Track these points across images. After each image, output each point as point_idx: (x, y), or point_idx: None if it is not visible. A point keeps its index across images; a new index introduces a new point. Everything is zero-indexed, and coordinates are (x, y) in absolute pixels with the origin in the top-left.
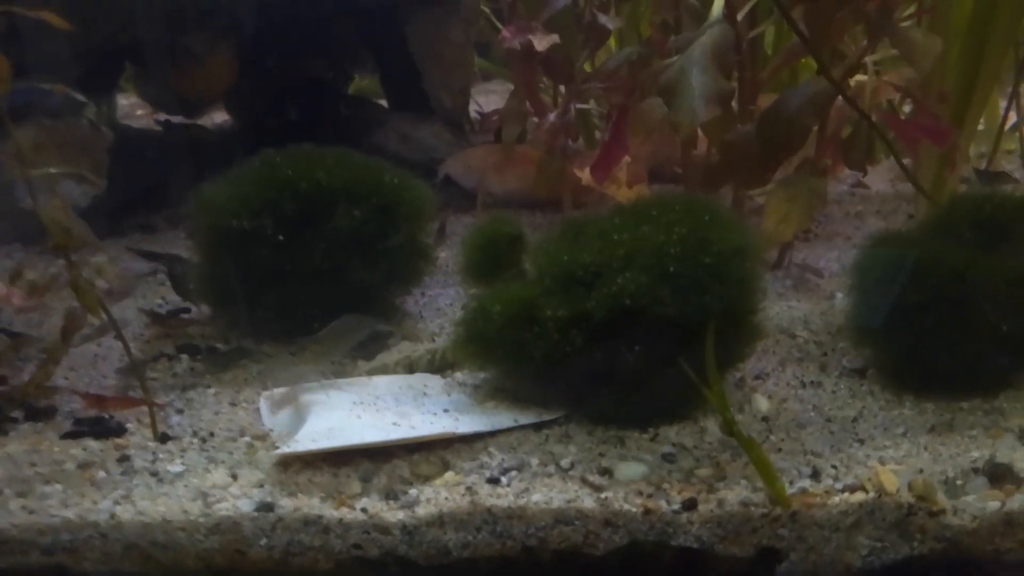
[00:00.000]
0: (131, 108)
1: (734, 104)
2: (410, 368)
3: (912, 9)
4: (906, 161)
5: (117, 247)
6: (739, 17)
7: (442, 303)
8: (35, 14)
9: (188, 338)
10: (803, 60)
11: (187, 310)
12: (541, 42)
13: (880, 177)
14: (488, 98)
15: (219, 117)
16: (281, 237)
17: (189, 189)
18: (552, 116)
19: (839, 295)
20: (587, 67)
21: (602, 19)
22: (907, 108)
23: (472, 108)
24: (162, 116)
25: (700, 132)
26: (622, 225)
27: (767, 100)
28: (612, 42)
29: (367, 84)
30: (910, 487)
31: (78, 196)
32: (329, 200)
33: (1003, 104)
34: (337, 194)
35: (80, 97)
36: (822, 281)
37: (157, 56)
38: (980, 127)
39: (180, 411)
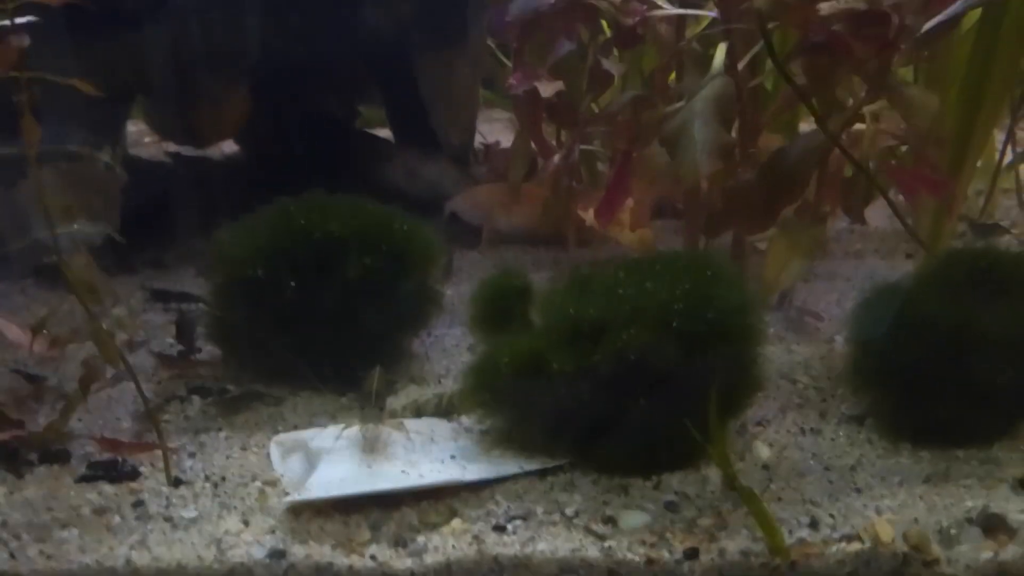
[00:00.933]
0: (139, 135)
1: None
2: (417, 412)
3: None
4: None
5: (129, 285)
6: (740, 67)
7: (448, 343)
8: (66, 82)
9: (199, 380)
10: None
11: (198, 350)
12: (546, 89)
13: (879, 214)
14: (492, 126)
15: (227, 147)
16: (293, 283)
17: (199, 224)
18: (556, 158)
19: (838, 338)
20: (592, 108)
21: (606, 65)
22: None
23: (476, 139)
24: (172, 147)
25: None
26: (627, 280)
27: (768, 140)
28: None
29: (372, 115)
30: (905, 537)
31: (92, 235)
32: (340, 247)
33: (1000, 138)
34: (348, 242)
35: (97, 151)
36: (822, 324)
37: (171, 95)
38: (977, 164)
39: (192, 455)
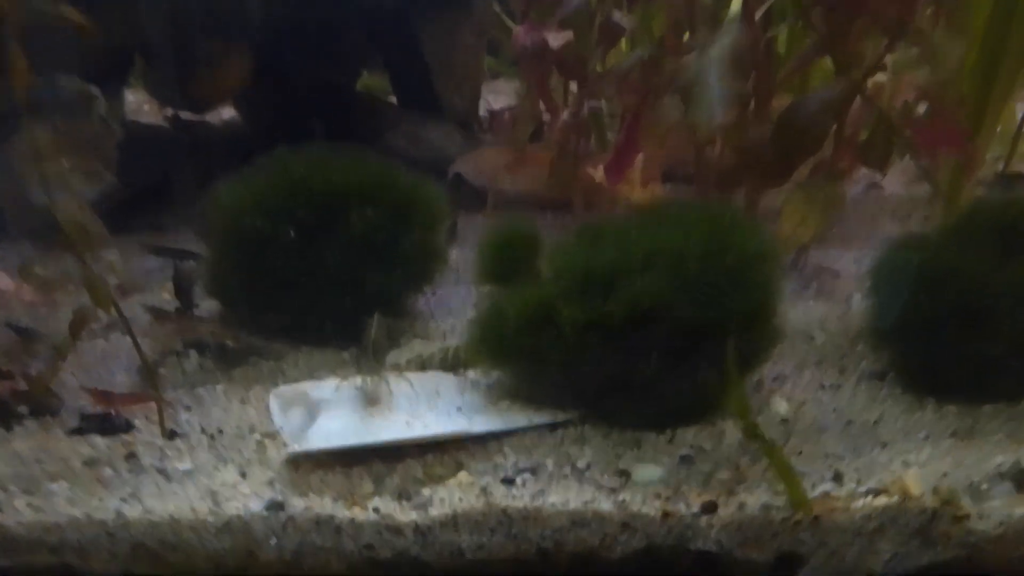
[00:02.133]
0: (138, 104)
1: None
2: (422, 366)
3: (929, 12)
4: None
5: (127, 244)
6: (756, 17)
7: (453, 302)
8: (59, 12)
9: (196, 335)
10: (816, 61)
11: (195, 306)
12: (556, 40)
13: (894, 179)
14: (496, 97)
15: (227, 113)
16: (294, 237)
17: (198, 187)
18: (564, 116)
19: (856, 297)
20: (599, 67)
21: (616, 18)
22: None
23: (480, 107)
24: (170, 112)
25: None
26: (640, 228)
27: (781, 101)
28: (623, 43)
29: (375, 83)
30: (934, 492)
31: (86, 192)
32: (343, 201)
33: (1020, 106)
34: (351, 195)
35: (93, 91)
36: (838, 283)
37: (170, 58)
38: (996, 130)
39: (188, 408)
